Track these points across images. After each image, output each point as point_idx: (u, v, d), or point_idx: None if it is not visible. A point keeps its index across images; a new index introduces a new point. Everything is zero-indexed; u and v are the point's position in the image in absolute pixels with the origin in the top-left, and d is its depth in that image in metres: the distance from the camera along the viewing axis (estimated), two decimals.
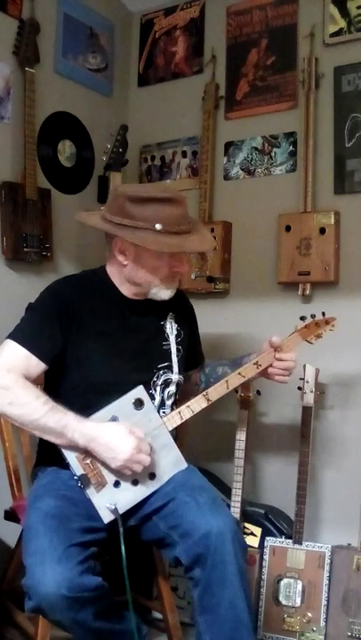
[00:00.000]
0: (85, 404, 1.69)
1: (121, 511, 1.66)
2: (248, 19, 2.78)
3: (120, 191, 1.80)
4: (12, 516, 2.07)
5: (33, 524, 1.59)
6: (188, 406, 1.82)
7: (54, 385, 1.81)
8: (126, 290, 1.86)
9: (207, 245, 1.93)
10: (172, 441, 1.78)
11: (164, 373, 1.87)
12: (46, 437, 1.67)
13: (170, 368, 1.89)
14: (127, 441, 1.63)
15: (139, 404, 1.72)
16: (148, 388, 1.77)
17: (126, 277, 1.84)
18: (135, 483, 1.71)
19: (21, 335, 1.74)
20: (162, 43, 3.04)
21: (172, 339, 1.92)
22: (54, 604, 1.47)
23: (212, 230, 2.66)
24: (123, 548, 1.60)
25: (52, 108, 2.71)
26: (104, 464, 1.66)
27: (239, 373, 1.87)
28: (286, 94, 2.67)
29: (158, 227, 1.72)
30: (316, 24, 2.60)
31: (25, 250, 2.49)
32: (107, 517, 1.66)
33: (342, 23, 2.54)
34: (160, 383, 1.86)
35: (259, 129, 2.73)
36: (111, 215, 1.78)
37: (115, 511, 1.65)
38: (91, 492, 1.66)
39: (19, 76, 2.53)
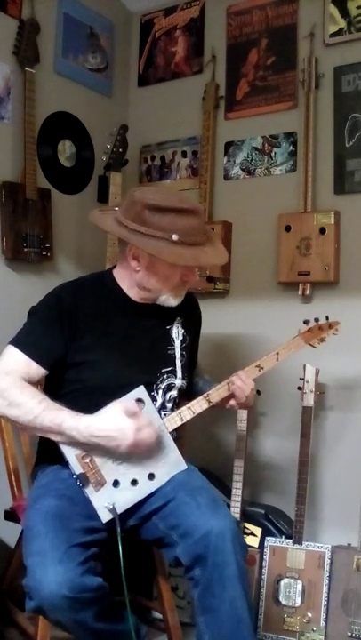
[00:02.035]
0: (88, 405, 1.68)
1: (119, 511, 1.66)
2: (248, 19, 2.78)
3: (138, 197, 1.76)
4: (11, 515, 2.07)
5: (33, 525, 1.59)
6: (189, 407, 1.82)
7: (58, 386, 1.81)
8: (134, 294, 1.86)
9: (221, 259, 1.92)
10: (173, 442, 1.78)
11: (167, 377, 1.87)
12: (48, 436, 1.68)
13: (173, 373, 1.89)
14: (125, 425, 1.62)
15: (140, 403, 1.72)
16: (150, 390, 1.77)
17: (137, 282, 1.84)
18: (134, 483, 1.71)
19: (22, 341, 1.75)
20: (162, 43, 3.04)
21: (178, 344, 1.93)
22: (55, 605, 1.47)
23: (212, 230, 2.66)
24: (120, 547, 1.60)
25: (52, 107, 2.71)
26: (104, 463, 1.66)
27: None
28: (286, 94, 2.67)
29: (175, 237, 1.72)
30: (316, 24, 2.60)
31: (25, 250, 2.49)
32: (105, 517, 1.66)
33: (342, 23, 2.54)
34: (163, 387, 1.86)
35: (259, 129, 2.73)
36: (127, 220, 1.76)
37: (112, 510, 1.65)
38: (89, 491, 1.66)
39: (19, 76, 2.53)
